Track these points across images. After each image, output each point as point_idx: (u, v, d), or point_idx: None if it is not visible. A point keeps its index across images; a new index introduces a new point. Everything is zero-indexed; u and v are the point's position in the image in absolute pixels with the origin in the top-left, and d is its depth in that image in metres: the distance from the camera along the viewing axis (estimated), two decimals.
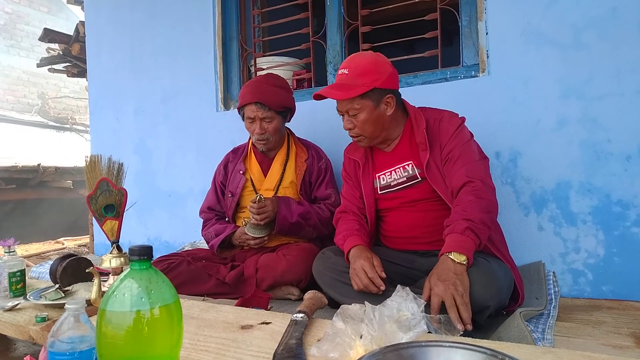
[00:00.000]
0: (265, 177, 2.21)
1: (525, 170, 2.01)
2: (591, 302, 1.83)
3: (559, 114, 1.94)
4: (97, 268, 1.73)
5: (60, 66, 5.10)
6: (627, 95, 1.83)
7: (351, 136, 1.72)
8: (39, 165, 6.70)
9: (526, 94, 2.01)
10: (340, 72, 1.64)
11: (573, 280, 1.93)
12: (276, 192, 2.16)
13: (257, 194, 2.09)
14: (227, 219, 2.30)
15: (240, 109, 2.14)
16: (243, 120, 2.17)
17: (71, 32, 4.70)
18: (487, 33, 2.10)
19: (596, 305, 1.77)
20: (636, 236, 1.82)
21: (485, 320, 1.38)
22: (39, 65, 5.37)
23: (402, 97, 1.74)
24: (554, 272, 1.85)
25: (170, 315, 0.76)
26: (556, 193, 1.96)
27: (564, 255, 1.95)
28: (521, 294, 1.56)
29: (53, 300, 1.48)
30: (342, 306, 1.01)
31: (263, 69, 2.81)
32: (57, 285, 1.58)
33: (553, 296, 1.70)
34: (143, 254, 0.77)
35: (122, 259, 1.35)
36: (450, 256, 1.35)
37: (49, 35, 4.61)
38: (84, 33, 3.60)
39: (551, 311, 1.58)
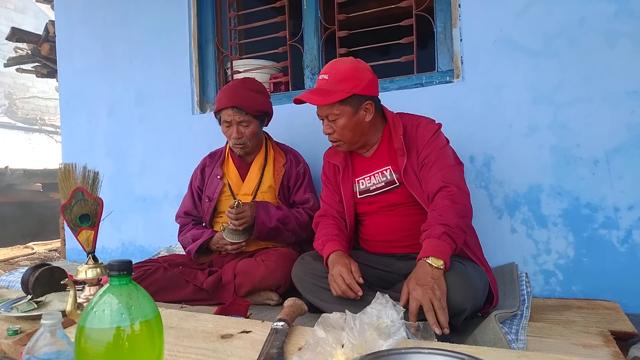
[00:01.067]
0: (243, 181, 2.20)
1: (499, 174, 2.06)
2: (562, 301, 1.89)
3: (531, 119, 2.00)
4: (70, 277, 1.69)
5: (28, 66, 4.95)
6: (595, 102, 1.90)
7: (330, 141, 1.74)
8: (6, 167, 6.49)
9: (499, 99, 2.06)
10: (320, 77, 1.65)
11: (544, 280, 1.99)
12: (254, 197, 2.15)
13: (235, 199, 2.08)
14: (204, 224, 2.28)
15: (217, 113, 2.12)
16: (220, 124, 2.15)
17: (40, 31, 4.57)
18: (461, 39, 2.15)
19: (566, 305, 1.83)
20: (603, 237, 1.89)
21: (461, 323, 1.41)
22: (6, 65, 5.19)
23: (381, 103, 1.76)
24: (526, 273, 1.91)
25: (151, 330, 0.75)
26: (528, 196, 2.01)
27: (535, 257, 2.00)
28: (495, 295, 1.60)
29: (25, 312, 1.44)
30: (322, 315, 1.02)
31: (240, 72, 2.80)
32: (29, 296, 1.54)
33: (526, 297, 1.75)
34: (123, 269, 0.76)
35: (98, 269, 1.32)
36: (428, 261, 1.37)
37: (17, 35, 4.46)
38: (54, 33, 3.51)
39: (524, 312, 1.63)
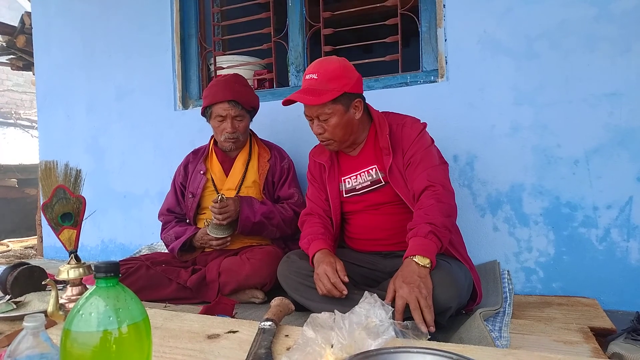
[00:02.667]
0: (226, 176, 2.19)
1: (482, 173, 2.09)
2: (542, 298, 1.93)
3: (513, 119, 2.03)
4: (50, 276, 1.65)
5: (3, 58, 4.80)
6: (574, 103, 1.94)
7: (321, 141, 1.73)
8: None
9: (482, 100, 2.08)
10: (308, 77, 1.64)
11: (526, 278, 2.02)
12: (238, 192, 2.14)
13: (218, 193, 2.07)
14: (187, 221, 2.25)
15: (207, 108, 2.10)
16: (208, 119, 2.14)
17: (15, 23, 4.43)
18: (445, 40, 2.16)
19: (547, 302, 1.86)
20: (583, 236, 1.93)
21: (446, 321, 1.43)
22: None
23: (366, 101, 1.77)
24: (508, 271, 1.94)
25: (139, 333, 0.74)
26: (510, 195, 2.04)
27: (517, 255, 2.04)
28: (479, 293, 1.62)
29: (4, 312, 1.40)
30: (311, 315, 1.02)
31: (223, 68, 2.77)
32: (8, 297, 1.50)
33: (508, 294, 1.78)
34: (110, 271, 0.74)
35: (80, 269, 1.29)
36: (415, 259, 1.38)
37: None
38: (31, 25, 3.41)
39: (506, 309, 1.66)
